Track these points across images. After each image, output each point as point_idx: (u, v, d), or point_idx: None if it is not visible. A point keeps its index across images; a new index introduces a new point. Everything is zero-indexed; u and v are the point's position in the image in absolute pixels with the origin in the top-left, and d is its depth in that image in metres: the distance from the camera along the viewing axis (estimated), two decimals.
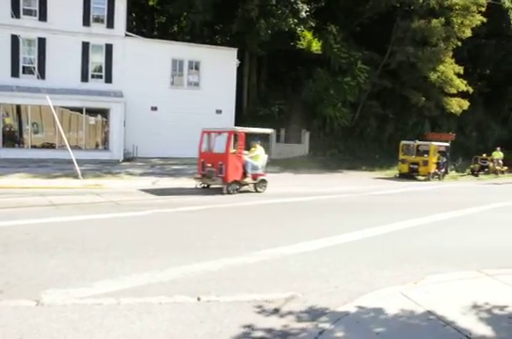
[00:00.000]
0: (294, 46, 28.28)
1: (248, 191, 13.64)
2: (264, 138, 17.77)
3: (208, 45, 25.55)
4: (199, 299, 4.45)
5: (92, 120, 22.70)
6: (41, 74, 19.58)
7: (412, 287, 5.02)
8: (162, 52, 23.79)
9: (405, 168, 21.69)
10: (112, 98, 22.01)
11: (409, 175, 21.51)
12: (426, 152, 21.65)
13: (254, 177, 13.52)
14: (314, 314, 4.22)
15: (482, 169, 25.99)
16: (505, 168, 27.34)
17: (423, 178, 21.34)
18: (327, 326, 3.88)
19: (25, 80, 21.27)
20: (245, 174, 13.24)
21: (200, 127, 22.83)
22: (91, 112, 22.44)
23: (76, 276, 5.06)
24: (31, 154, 20.55)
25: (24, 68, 21.82)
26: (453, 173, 25.62)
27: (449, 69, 27.84)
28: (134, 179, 16.11)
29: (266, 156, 14.19)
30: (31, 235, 7.00)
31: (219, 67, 24.67)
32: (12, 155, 19.96)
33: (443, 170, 22.25)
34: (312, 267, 5.77)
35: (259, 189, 13.55)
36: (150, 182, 15.44)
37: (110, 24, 22.97)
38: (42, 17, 21.78)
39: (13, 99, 20.89)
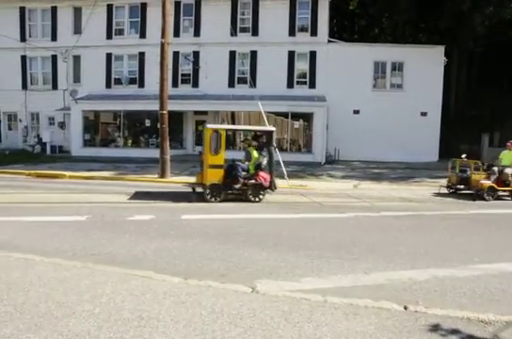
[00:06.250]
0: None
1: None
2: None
3: (412, 45, 24.48)
4: (405, 308, 4.28)
5: (296, 124, 24.05)
6: (253, 83, 21.64)
7: None
8: (364, 55, 23.76)
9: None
10: (315, 102, 22.91)
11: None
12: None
13: None
14: None
15: (460, 182, 13.49)
16: None
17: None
18: None
19: (239, 89, 23.95)
20: None
21: (402, 130, 21.70)
22: (294, 116, 23.77)
23: (285, 270, 5.42)
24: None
25: (238, 78, 24.48)
26: None
27: None
28: (335, 181, 16.45)
29: None
30: (245, 229, 7.79)
31: (424, 67, 23.37)
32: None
33: (254, 181, 10.97)
34: None
35: None
36: (351, 185, 15.54)
37: (314, 32, 24.01)
38: (255, 32, 24.14)
39: (229, 106, 23.60)
